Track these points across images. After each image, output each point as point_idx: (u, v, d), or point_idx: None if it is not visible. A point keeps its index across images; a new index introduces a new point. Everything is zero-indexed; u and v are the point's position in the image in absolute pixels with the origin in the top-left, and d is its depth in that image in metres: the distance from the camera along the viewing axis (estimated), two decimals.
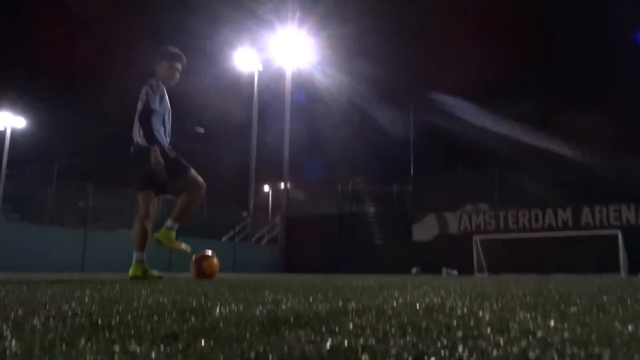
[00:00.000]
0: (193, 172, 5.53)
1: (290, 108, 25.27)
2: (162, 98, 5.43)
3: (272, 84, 25.68)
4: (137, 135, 5.39)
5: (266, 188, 43.24)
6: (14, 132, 27.91)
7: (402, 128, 23.39)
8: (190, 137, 25.61)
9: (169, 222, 5.51)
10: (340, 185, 23.72)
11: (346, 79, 28.47)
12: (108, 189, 18.55)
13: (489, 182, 19.45)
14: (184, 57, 5.76)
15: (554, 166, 19.06)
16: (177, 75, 5.70)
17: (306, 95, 27.67)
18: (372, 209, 22.96)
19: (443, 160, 24.18)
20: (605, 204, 17.40)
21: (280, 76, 26.23)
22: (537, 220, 18.49)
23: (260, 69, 28.00)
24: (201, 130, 29.25)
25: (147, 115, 5.26)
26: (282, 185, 24.98)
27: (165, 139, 5.47)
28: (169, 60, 5.60)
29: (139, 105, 5.36)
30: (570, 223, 17.86)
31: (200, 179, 5.55)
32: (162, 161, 5.21)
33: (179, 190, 5.67)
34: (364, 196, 23.75)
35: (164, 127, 5.51)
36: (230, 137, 25.44)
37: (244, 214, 24.65)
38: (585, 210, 17.74)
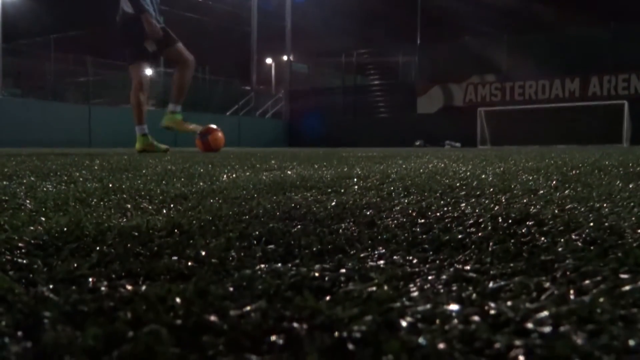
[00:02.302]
0: (181, 46, 5.41)
1: None
2: None
3: None
4: (124, 3, 5.22)
5: (269, 60, 42.26)
6: (5, 4, 26.76)
7: None
8: (185, 5, 24.45)
9: (170, 106, 5.55)
10: (344, 57, 23.13)
11: None
12: (108, 63, 18.17)
13: (496, 51, 18.87)
14: None
15: (564, 33, 18.34)
16: None
17: None
18: (376, 82, 22.58)
19: (450, 28, 23.18)
20: (614, 73, 16.98)
21: None
22: (543, 92, 18.21)
23: None
24: None
25: None
26: (285, 57, 24.37)
27: (152, 7, 5.29)
28: None
29: None
30: (577, 94, 17.60)
31: (187, 53, 5.45)
32: (158, 28, 5.12)
33: (170, 63, 5.61)
34: (368, 68, 23.22)
35: None
36: (230, 4, 24.26)
37: (247, 87, 24.32)
38: (594, 80, 17.37)
